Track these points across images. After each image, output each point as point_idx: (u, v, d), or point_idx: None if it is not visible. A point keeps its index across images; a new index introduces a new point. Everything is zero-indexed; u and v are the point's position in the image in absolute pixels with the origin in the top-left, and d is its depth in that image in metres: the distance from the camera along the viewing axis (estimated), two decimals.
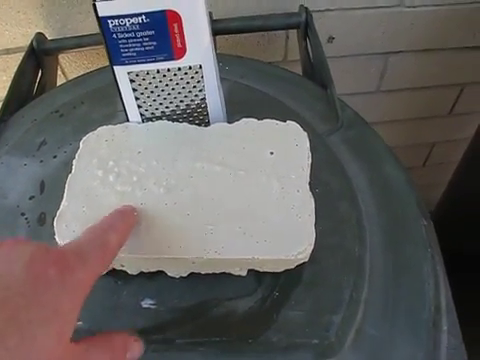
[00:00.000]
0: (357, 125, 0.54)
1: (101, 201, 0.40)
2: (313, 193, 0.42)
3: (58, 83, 0.76)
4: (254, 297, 0.39)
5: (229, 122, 0.46)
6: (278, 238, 0.37)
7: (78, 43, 0.70)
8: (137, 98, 0.45)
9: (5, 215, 0.46)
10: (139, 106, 0.45)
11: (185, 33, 0.40)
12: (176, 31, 0.39)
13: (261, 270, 0.39)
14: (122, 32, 0.39)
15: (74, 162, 0.43)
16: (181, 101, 0.45)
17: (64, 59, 0.80)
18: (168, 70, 0.42)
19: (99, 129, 0.46)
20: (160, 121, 0.46)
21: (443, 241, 1.03)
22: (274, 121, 0.45)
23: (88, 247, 0.31)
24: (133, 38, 0.40)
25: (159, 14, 0.38)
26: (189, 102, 0.45)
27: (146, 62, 0.42)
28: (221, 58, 0.62)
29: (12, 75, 0.64)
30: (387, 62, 0.91)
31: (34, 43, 0.70)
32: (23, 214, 0.46)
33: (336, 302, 0.39)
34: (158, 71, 0.42)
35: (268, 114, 0.46)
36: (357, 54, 0.87)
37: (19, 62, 0.66)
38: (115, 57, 0.41)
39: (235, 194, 0.40)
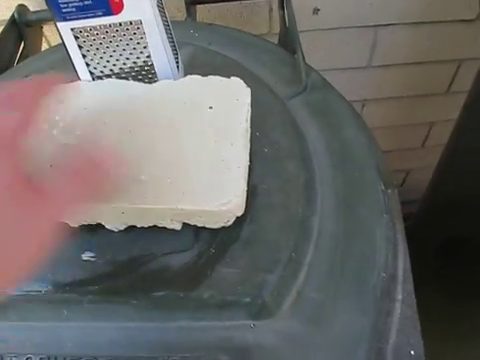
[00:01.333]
0: (322, 89, 0.53)
1: (41, 153, 0.39)
2: (261, 152, 0.41)
3: None
4: (190, 253, 0.38)
5: None
6: (204, 189, 0.37)
7: None
8: (84, 55, 0.44)
9: None
10: (87, 64, 0.45)
11: None
12: None
13: (192, 224, 0.38)
14: None
15: None
16: (127, 59, 0.45)
17: (48, 30, 0.80)
18: (109, 26, 0.42)
19: None
20: (109, 79, 0.46)
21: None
22: (218, 77, 0.44)
23: None
24: None
25: None
26: (135, 59, 0.45)
27: (86, 17, 0.41)
28: (192, 25, 0.62)
29: None
30: (377, 35, 0.88)
31: (15, 15, 0.70)
32: None
33: (272, 261, 0.38)
34: (100, 27, 0.42)
35: (229, 76, 0.46)
36: (345, 27, 0.85)
37: None
38: (56, 13, 0.41)
39: (171, 147, 0.40)
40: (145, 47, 0.44)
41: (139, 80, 0.46)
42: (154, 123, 0.41)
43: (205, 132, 0.40)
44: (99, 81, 0.46)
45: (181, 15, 0.77)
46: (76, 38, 0.43)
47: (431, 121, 1.13)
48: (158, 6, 0.42)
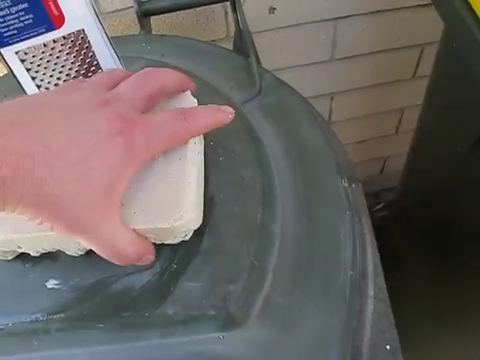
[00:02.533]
0: (277, 90, 0.52)
1: None
2: (216, 162, 0.41)
3: None
4: (152, 271, 0.38)
5: None
6: (154, 207, 0.36)
7: None
8: (34, 77, 0.44)
9: None
10: (38, 86, 0.45)
11: (58, 0, 0.39)
12: (49, 0, 0.39)
13: (152, 241, 0.38)
14: None
15: None
16: (77, 71, 0.44)
17: None
18: (54, 41, 0.41)
19: None
20: None
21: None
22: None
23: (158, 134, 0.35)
24: (9, 15, 0.38)
25: None
26: (84, 71, 0.44)
27: (30, 37, 0.40)
28: (144, 39, 0.61)
29: None
30: (336, 28, 0.88)
31: None
32: None
33: (234, 271, 0.37)
34: (45, 45, 0.42)
35: None
36: (303, 23, 0.85)
37: None
38: None
39: None
40: (92, 56, 0.43)
41: None
42: None
43: None
44: None
45: (137, 28, 0.76)
46: (22, 61, 0.42)
47: (401, 107, 1.13)
48: (97, 16, 0.42)
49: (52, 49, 0.42)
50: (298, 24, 0.85)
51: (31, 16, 0.39)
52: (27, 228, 0.36)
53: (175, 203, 0.36)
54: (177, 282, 0.37)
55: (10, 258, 0.40)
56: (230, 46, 0.81)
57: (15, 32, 0.40)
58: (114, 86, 0.37)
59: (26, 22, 0.39)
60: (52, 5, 0.39)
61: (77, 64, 0.44)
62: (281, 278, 0.39)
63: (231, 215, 0.40)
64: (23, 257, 0.40)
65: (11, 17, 0.39)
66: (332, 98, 1.04)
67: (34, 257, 0.40)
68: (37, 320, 0.38)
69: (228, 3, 0.70)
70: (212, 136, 0.43)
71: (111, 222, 0.33)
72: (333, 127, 0.55)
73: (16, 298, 0.39)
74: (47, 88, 0.45)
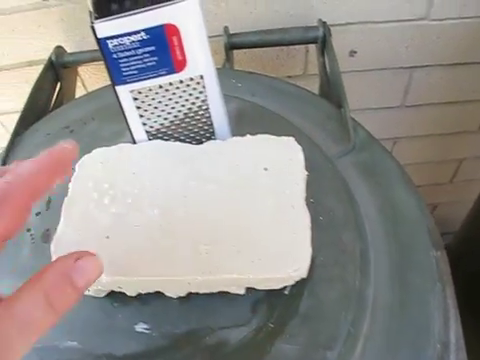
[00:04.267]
0: (370, 147, 0.52)
1: (96, 224, 0.39)
2: (317, 221, 0.41)
3: (77, 95, 0.77)
4: (248, 327, 0.37)
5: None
6: (273, 256, 0.36)
7: (94, 56, 0.70)
8: (141, 115, 0.44)
9: None
10: (144, 123, 0.45)
11: (184, 45, 0.39)
12: (176, 44, 0.39)
13: (259, 288, 0.37)
14: (122, 51, 0.39)
15: (69, 185, 0.43)
16: (185, 114, 0.44)
17: (84, 71, 0.80)
18: (170, 84, 0.42)
19: (94, 151, 0.46)
20: (154, 141, 0.46)
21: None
22: (268, 136, 0.44)
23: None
24: (134, 56, 0.39)
25: (158, 29, 0.38)
26: (193, 114, 0.45)
27: (148, 78, 0.41)
28: (234, 74, 0.62)
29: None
30: (412, 76, 0.88)
31: (53, 56, 0.71)
32: (29, 230, 0.46)
33: (331, 337, 0.37)
34: (160, 86, 0.42)
35: (276, 133, 0.45)
36: (380, 68, 0.85)
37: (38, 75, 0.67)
38: (116, 77, 0.41)
39: (229, 212, 0.39)
40: (203, 101, 0.44)
41: (195, 134, 0.46)
42: (209, 187, 0.41)
43: (263, 195, 0.40)
44: (143, 143, 0.46)
45: (218, 57, 0.77)
46: (135, 99, 0.43)
47: (461, 157, 1.12)
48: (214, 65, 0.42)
49: (166, 91, 0.42)
50: (376, 69, 0.85)
51: (155, 59, 0.39)
52: (136, 271, 0.37)
53: (293, 253, 0.36)
54: (274, 342, 0.37)
55: (102, 295, 0.40)
56: (306, 83, 0.81)
57: (135, 72, 0.40)
58: None
59: (149, 64, 0.40)
60: (178, 50, 0.39)
61: (187, 107, 0.44)
62: (372, 346, 0.39)
63: (330, 278, 0.40)
64: (112, 296, 0.40)
65: (135, 58, 0.39)
66: (395, 142, 1.03)
67: (124, 296, 0.40)
68: None
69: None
70: (312, 192, 0.43)
71: None
72: None
73: (102, 336, 0.39)
74: (152, 127, 0.45)
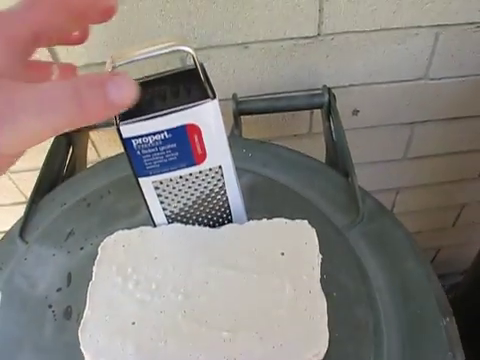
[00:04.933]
0: (378, 217, 0.54)
1: (122, 310, 0.41)
2: (331, 297, 0.42)
3: (89, 158, 0.79)
4: None
5: (250, 219, 0.48)
6: (293, 342, 0.38)
7: (106, 120, 0.72)
8: (162, 202, 0.46)
9: (34, 306, 0.48)
10: (164, 209, 0.47)
11: (205, 141, 0.41)
12: (196, 141, 0.41)
13: None
14: (146, 148, 0.41)
15: (94, 269, 0.45)
16: (203, 199, 0.47)
17: (96, 135, 0.83)
18: (190, 174, 0.44)
19: (116, 234, 0.48)
20: (174, 224, 0.48)
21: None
22: (283, 220, 0.46)
23: None
24: (156, 152, 0.41)
25: (180, 129, 0.40)
26: (210, 199, 0.47)
27: (170, 171, 0.43)
28: (244, 143, 0.64)
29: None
30: (413, 131, 0.91)
31: None
32: (50, 306, 0.48)
33: None
34: (181, 176, 0.44)
35: (289, 209, 0.48)
36: (383, 125, 0.88)
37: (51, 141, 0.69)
38: (139, 170, 0.43)
39: (249, 298, 0.41)
40: (221, 188, 0.46)
41: (213, 219, 0.48)
42: (229, 273, 0.43)
43: (281, 280, 0.42)
44: (164, 226, 0.48)
45: (224, 120, 0.79)
46: (156, 188, 0.45)
47: (463, 203, 1.15)
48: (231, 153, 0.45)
49: (186, 180, 0.44)
50: (378, 126, 0.88)
51: (176, 154, 0.42)
52: (164, 358, 0.38)
53: (311, 338, 0.38)
54: None
55: None
56: (312, 142, 0.84)
57: (157, 166, 0.42)
58: None
59: (170, 159, 0.42)
60: (198, 146, 0.41)
61: (205, 193, 0.46)
62: None
63: (346, 355, 0.42)
64: None
65: (157, 154, 0.41)
66: (398, 192, 1.06)
67: None
68: None
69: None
70: (325, 268, 0.45)
71: None
72: None
73: None
74: (172, 212, 0.47)
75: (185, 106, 0.39)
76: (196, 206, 0.47)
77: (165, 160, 0.42)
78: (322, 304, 0.40)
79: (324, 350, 0.38)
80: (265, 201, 0.51)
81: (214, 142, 0.42)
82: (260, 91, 0.77)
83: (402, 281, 0.49)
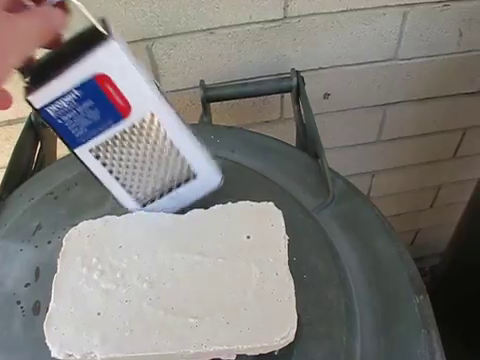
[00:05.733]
0: (349, 197, 0.54)
1: (87, 301, 0.40)
2: (301, 279, 0.42)
3: (58, 154, 0.77)
4: None
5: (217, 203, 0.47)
6: (261, 325, 0.38)
7: None
8: (111, 171, 0.44)
9: (1, 303, 0.47)
10: (116, 178, 0.45)
11: (121, 89, 0.39)
12: (112, 91, 0.39)
13: (249, 354, 0.39)
14: (64, 114, 0.39)
15: (58, 261, 0.44)
16: (152, 157, 0.44)
17: None
18: (124, 132, 0.42)
19: (80, 224, 0.47)
20: (138, 212, 0.47)
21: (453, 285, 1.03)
22: (249, 203, 0.46)
23: None
24: (77, 115, 0.39)
25: (89, 83, 0.38)
26: (160, 154, 0.44)
27: (100, 133, 0.41)
28: (212, 130, 0.63)
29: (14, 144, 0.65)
30: (385, 113, 0.91)
31: (32, 116, 0.71)
32: (19, 302, 0.47)
33: None
34: (116, 137, 0.42)
35: (257, 193, 0.47)
36: (354, 108, 0.88)
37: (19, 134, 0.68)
38: (71, 140, 0.41)
39: (216, 283, 0.41)
40: (169, 142, 0.43)
41: (177, 181, 0.47)
42: (194, 259, 0.42)
43: (247, 264, 0.41)
44: (128, 215, 0.47)
45: (194, 108, 0.79)
46: (97, 157, 0.43)
47: (439, 184, 1.15)
48: (165, 98, 0.42)
49: (124, 141, 0.42)
50: (350, 109, 0.87)
51: (98, 111, 0.40)
52: (129, 348, 0.37)
53: (280, 321, 0.38)
54: None
55: None
56: (284, 127, 0.84)
57: (85, 130, 0.40)
58: None
59: (94, 118, 0.40)
60: (117, 96, 0.39)
61: (153, 149, 0.44)
62: None
63: (318, 336, 0.41)
64: None
65: (79, 117, 0.39)
66: (373, 176, 1.06)
67: None
68: None
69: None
70: (294, 250, 0.44)
71: None
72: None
73: None
74: (126, 179, 0.45)
75: (82, 56, 0.37)
76: (152, 173, 0.45)
77: (90, 121, 0.40)
78: (290, 286, 0.39)
79: (293, 332, 0.37)
80: (233, 186, 0.50)
81: (132, 88, 0.39)
82: (229, 78, 0.76)
83: (374, 260, 0.49)
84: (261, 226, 0.44)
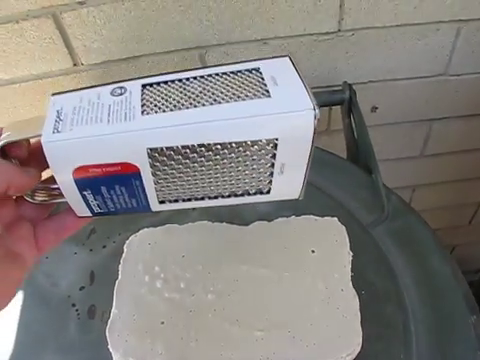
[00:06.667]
0: (403, 214, 0.54)
1: (150, 309, 0.41)
2: (359, 295, 0.42)
3: None
4: None
5: (274, 218, 0.47)
6: (327, 341, 0.38)
7: None
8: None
9: (57, 305, 0.48)
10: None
11: None
12: None
13: None
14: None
15: (120, 267, 0.44)
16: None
17: None
18: None
19: (141, 232, 0.47)
20: (200, 222, 0.48)
21: None
22: (313, 217, 0.46)
23: None
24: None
25: None
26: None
27: None
28: None
29: None
30: (431, 128, 0.90)
31: None
32: (74, 305, 0.47)
33: None
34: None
35: (315, 207, 0.47)
36: (400, 122, 0.87)
37: None
38: None
39: (281, 297, 0.41)
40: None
41: None
42: (259, 271, 0.42)
43: (313, 278, 0.42)
44: (190, 224, 0.47)
45: None
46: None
47: (479, 201, 1.13)
48: None
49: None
50: (396, 122, 0.87)
51: None
52: (195, 358, 0.38)
53: (347, 337, 0.38)
54: None
55: None
56: (330, 139, 0.84)
57: None
58: None
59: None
60: None
61: None
62: None
63: (376, 353, 0.41)
64: None
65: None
66: (414, 190, 1.05)
67: None
68: None
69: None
70: (353, 267, 0.45)
71: None
72: None
73: None
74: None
75: None
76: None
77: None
78: (355, 303, 0.40)
79: (358, 349, 0.38)
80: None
81: None
82: None
83: (429, 279, 0.48)
84: (325, 241, 0.44)
